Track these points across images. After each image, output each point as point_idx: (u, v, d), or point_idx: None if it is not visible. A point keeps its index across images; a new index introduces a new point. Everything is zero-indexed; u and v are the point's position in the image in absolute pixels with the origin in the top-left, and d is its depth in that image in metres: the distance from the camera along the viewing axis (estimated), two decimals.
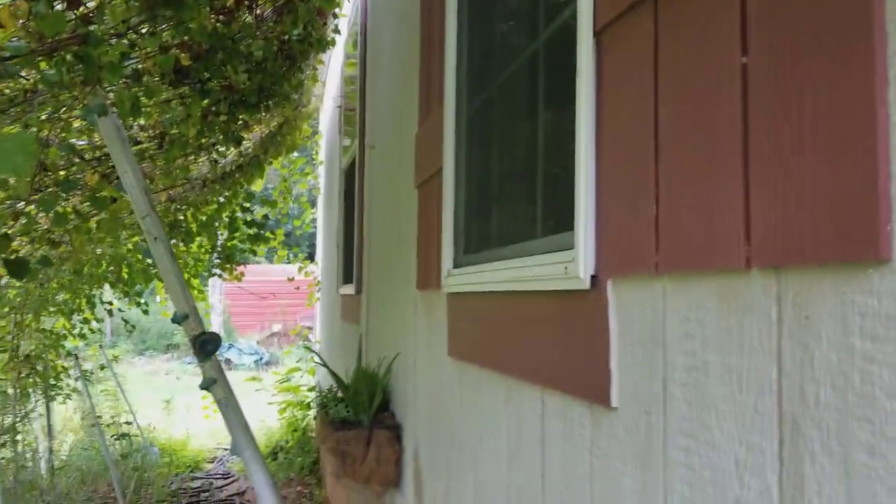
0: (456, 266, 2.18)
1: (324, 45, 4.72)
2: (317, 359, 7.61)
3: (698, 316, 0.99)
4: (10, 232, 3.11)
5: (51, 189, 3.25)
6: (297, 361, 9.18)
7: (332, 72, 6.63)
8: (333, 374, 3.45)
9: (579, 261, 1.27)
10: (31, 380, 6.30)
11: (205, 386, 3.57)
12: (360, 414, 3.18)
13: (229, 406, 3.59)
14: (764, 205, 0.84)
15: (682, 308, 1.02)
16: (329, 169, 7.72)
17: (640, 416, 1.12)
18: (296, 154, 8.20)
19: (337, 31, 5.38)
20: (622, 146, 1.18)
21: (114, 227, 3.59)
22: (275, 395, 8.51)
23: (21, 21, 2.37)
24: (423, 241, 2.64)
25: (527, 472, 1.62)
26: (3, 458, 5.56)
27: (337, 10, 5.21)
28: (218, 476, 7.62)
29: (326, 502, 6.35)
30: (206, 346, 3.56)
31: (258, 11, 3.82)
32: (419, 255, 2.71)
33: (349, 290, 5.08)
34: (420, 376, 2.76)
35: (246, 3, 3.53)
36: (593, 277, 1.26)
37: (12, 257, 2.54)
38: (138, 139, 4.65)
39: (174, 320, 3.68)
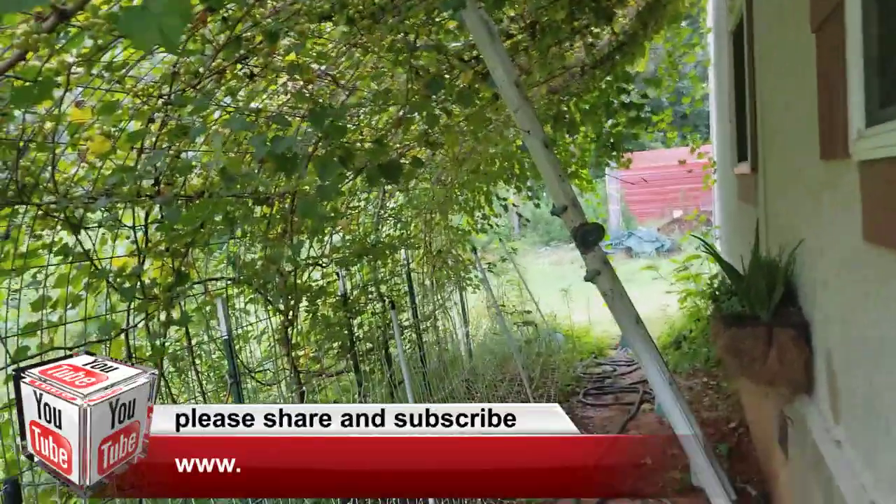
0: (870, 125, 1.66)
1: None
2: (702, 246, 7.14)
3: None
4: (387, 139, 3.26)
5: (420, 90, 3.33)
6: (696, 248, 8.72)
7: None
8: (723, 262, 3.07)
9: None
10: (443, 272, 6.93)
11: (589, 278, 3.48)
12: (758, 309, 2.78)
13: (615, 297, 3.45)
14: None
15: None
16: (717, 35, 6.95)
17: None
18: (682, 24, 7.54)
19: None
20: None
21: (482, 120, 3.59)
22: (673, 283, 8.23)
23: None
24: (824, 100, 2.10)
25: None
26: (427, 342, 6.23)
27: None
28: (621, 363, 7.68)
29: (735, 395, 6.00)
30: (587, 236, 3.44)
31: None
32: (820, 118, 2.18)
33: (744, 168, 4.53)
34: (826, 266, 2.26)
35: None
36: None
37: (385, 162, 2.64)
38: (510, 32, 4.59)
39: (553, 213, 3.61)
